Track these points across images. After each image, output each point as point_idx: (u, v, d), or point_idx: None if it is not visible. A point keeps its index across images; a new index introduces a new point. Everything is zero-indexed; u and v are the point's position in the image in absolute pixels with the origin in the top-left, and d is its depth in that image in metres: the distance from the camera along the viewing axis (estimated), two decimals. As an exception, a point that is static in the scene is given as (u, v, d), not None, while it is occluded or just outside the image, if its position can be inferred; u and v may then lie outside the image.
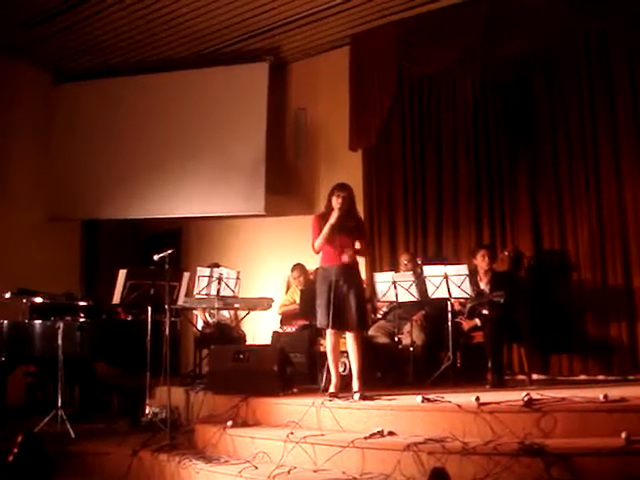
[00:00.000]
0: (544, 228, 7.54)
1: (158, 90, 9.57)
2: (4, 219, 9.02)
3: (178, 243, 10.01)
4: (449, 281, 6.43)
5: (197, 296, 7.29)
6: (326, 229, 5.62)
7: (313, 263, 8.01)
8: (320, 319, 5.65)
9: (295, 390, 6.12)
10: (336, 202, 5.64)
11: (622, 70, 7.13)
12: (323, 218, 5.71)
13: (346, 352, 5.93)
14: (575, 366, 7.20)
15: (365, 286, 6.67)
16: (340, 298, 5.54)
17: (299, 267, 8.14)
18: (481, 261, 6.85)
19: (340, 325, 5.58)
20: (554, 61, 7.53)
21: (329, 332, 5.66)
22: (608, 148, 7.19)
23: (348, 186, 5.80)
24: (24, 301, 7.18)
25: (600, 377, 6.91)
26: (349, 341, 5.66)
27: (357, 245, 5.80)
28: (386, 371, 7.00)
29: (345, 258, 5.59)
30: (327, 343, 5.73)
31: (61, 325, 6.57)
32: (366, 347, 6.06)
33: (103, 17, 8.43)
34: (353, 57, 8.93)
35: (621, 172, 7.11)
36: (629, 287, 6.99)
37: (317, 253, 5.77)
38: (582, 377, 7.01)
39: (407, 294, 6.80)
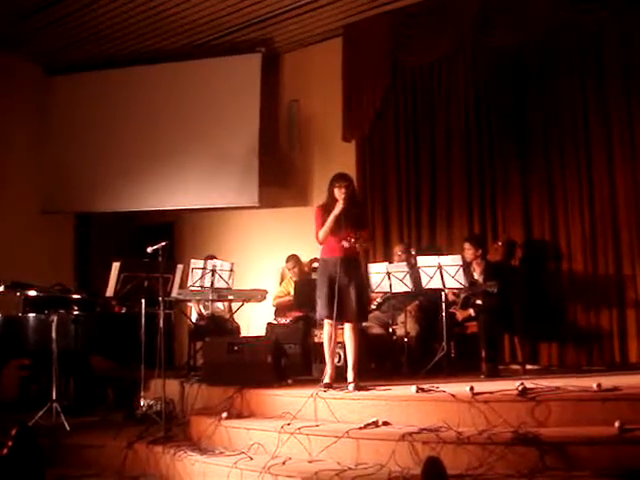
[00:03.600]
0: (535, 217, 7.55)
1: (150, 82, 9.53)
2: (-3, 212, 9.01)
3: (172, 235, 9.98)
4: (443, 271, 6.43)
5: (191, 288, 7.28)
6: (330, 220, 5.59)
7: (307, 254, 8.06)
8: (320, 310, 5.64)
9: (289, 381, 6.14)
10: (339, 193, 5.60)
11: (614, 61, 7.13)
12: (325, 209, 5.68)
13: (340, 343, 5.95)
14: (565, 355, 7.23)
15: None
16: (340, 289, 5.51)
17: (294, 258, 8.15)
18: (466, 253, 6.87)
19: (339, 316, 5.55)
20: (547, 51, 7.52)
21: (327, 322, 5.64)
22: (600, 138, 7.19)
23: (348, 176, 5.82)
24: (17, 294, 7.16)
25: (593, 367, 6.92)
26: (347, 332, 5.66)
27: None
28: (380, 362, 7.02)
29: (346, 244, 5.54)
30: (324, 334, 5.71)
31: (55, 318, 6.55)
32: (360, 338, 6.07)
33: (95, 9, 8.36)
34: (346, 48, 8.89)
35: (613, 162, 7.11)
36: (620, 276, 7.01)
37: (321, 244, 5.73)
38: (575, 366, 7.02)
39: (401, 285, 6.80)
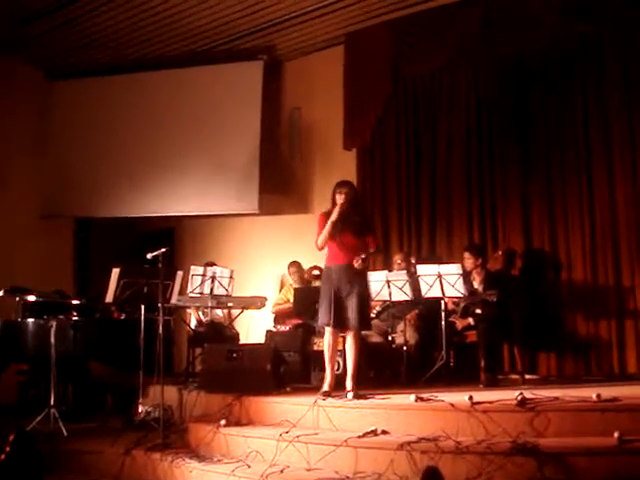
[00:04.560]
0: (535, 227, 7.54)
1: (152, 88, 9.55)
2: (-3, 216, 9.01)
3: (172, 241, 9.99)
4: (443, 280, 6.43)
5: (190, 295, 7.28)
6: (328, 226, 5.60)
7: (307, 262, 8.06)
8: (321, 317, 5.64)
9: (288, 389, 6.13)
10: (339, 199, 5.64)
11: (615, 70, 7.13)
12: (328, 215, 5.69)
13: (340, 351, 5.94)
14: (564, 366, 7.21)
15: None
16: (342, 297, 5.53)
17: (296, 264, 8.18)
18: (466, 262, 6.86)
19: (340, 324, 5.56)
20: (549, 61, 7.52)
21: (328, 330, 5.63)
22: (601, 147, 7.18)
23: (350, 183, 5.87)
24: (17, 299, 7.16)
25: (592, 377, 6.92)
26: (348, 340, 5.65)
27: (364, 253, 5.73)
28: (379, 370, 7.01)
29: (356, 264, 5.55)
30: (325, 342, 5.69)
31: (54, 324, 6.55)
32: (361, 346, 6.06)
33: (97, 15, 8.40)
34: (348, 56, 8.90)
35: (613, 172, 7.10)
36: (619, 287, 6.99)
37: (320, 250, 5.74)
38: (574, 377, 7.01)
39: (401, 293, 6.80)
